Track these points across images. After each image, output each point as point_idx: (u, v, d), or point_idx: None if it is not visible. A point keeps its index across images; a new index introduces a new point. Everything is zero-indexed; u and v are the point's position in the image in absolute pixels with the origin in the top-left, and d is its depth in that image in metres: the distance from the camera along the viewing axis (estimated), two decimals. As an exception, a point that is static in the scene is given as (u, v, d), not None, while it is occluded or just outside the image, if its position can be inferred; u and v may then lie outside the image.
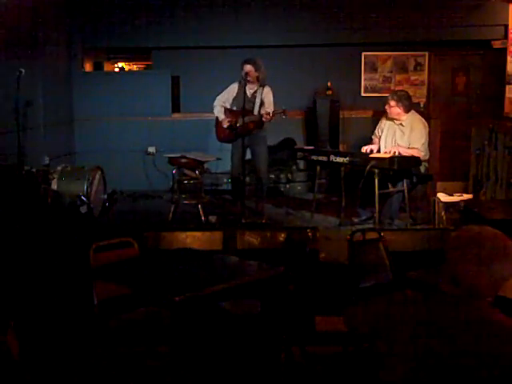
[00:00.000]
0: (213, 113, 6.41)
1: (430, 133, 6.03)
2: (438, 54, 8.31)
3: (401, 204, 5.91)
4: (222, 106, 6.33)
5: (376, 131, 6.18)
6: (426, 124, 5.96)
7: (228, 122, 6.20)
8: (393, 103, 5.87)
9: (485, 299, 1.83)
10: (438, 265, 1.93)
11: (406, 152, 5.77)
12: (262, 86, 6.20)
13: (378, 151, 6.03)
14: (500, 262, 1.82)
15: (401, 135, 5.91)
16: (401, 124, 5.91)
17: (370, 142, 6.26)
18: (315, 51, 8.20)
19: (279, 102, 6.12)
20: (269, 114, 5.95)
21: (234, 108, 6.30)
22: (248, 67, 6.09)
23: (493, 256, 1.82)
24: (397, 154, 5.72)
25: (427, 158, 5.93)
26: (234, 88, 6.31)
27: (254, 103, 6.15)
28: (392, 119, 5.96)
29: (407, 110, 5.90)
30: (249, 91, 6.14)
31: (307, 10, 7.95)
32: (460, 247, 1.86)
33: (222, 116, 6.28)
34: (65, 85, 8.01)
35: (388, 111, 5.94)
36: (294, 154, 6.65)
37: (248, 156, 6.32)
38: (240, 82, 6.25)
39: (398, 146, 5.87)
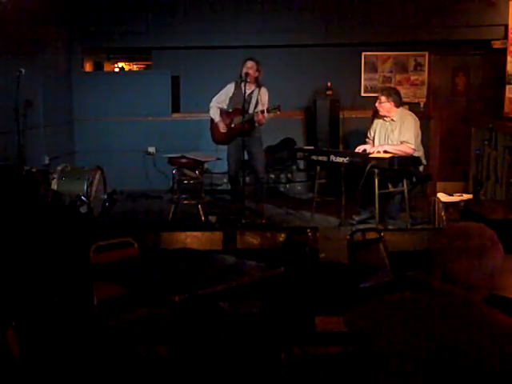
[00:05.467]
0: (212, 113, 6.44)
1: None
2: (437, 54, 8.31)
3: (401, 204, 5.91)
4: (218, 108, 6.34)
5: (368, 133, 6.20)
6: (417, 119, 5.96)
7: (224, 126, 6.22)
8: (383, 99, 5.89)
9: (481, 292, 1.84)
10: (431, 265, 1.94)
11: (394, 149, 5.78)
12: (259, 86, 6.21)
13: None
14: (490, 253, 1.84)
15: (392, 130, 5.93)
16: (392, 120, 5.93)
17: (365, 144, 6.27)
18: (315, 51, 8.20)
19: (279, 102, 6.10)
20: (263, 111, 5.95)
21: (230, 110, 6.32)
22: (251, 64, 6.10)
23: (481, 248, 1.84)
24: (382, 151, 5.76)
25: (421, 154, 5.92)
26: (230, 88, 6.32)
27: (249, 103, 6.16)
28: (383, 117, 5.97)
29: (398, 105, 5.93)
30: (244, 91, 6.14)
31: (307, 10, 7.95)
32: (448, 244, 1.87)
33: (217, 118, 6.29)
34: (65, 85, 8.02)
35: (379, 109, 5.95)
36: (293, 154, 6.65)
37: (245, 157, 6.33)
38: (236, 83, 6.27)
39: (385, 144, 5.91)
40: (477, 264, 1.83)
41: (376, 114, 6.08)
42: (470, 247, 1.84)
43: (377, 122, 6.09)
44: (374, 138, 6.11)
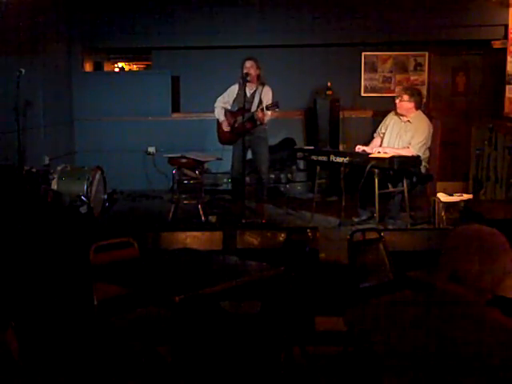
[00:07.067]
0: (212, 113, 6.43)
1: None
2: (437, 53, 8.31)
3: (401, 204, 5.91)
4: (223, 108, 6.34)
5: (379, 128, 6.16)
6: (431, 125, 5.94)
7: (228, 124, 6.22)
8: (406, 97, 5.86)
9: (487, 294, 1.85)
10: (436, 264, 1.94)
11: (395, 153, 5.76)
12: (262, 84, 6.21)
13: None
14: (501, 258, 1.85)
15: (406, 132, 5.90)
16: (408, 121, 5.90)
17: (369, 141, 6.25)
18: (315, 51, 8.20)
19: (279, 102, 6.09)
20: (262, 109, 5.94)
21: (235, 109, 6.31)
22: (250, 63, 6.10)
23: (494, 252, 1.85)
24: (382, 152, 5.76)
25: (426, 156, 5.90)
26: (234, 89, 6.32)
27: (252, 102, 6.16)
28: (399, 116, 5.95)
29: (418, 107, 5.90)
30: (248, 91, 6.14)
31: (307, 10, 7.95)
32: (461, 245, 1.87)
33: (222, 117, 6.30)
34: (65, 85, 8.01)
35: (398, 105, 5.91)
36: (293, 154, 6.65)
37: (249, 156, 6.33)
38: (239, 83, 6.26)
39: (386, 148, 5.91)
40: (489, 267, 1.83)
41: (394, 111, 6.04)
42: (483, 250, 1.85)
43: (391, 118, 6.05)
44: (384, 133, 6.07)
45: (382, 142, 6.09)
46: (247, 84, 6.06)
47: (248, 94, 6.13)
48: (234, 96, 6.32)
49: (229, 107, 6.35)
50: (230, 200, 6.96)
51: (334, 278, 4.31)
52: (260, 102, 6.15)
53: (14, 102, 5.69)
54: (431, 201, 5.90)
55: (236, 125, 6.18)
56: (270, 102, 6.09)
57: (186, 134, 8.06)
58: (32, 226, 5.07)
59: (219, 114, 6.33)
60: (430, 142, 5.93)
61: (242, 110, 6.09)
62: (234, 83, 6.34)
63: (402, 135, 5.92)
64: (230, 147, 6.40)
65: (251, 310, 3.58)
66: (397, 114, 5.98)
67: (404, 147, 5.85)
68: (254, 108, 6.12)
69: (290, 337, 3.46)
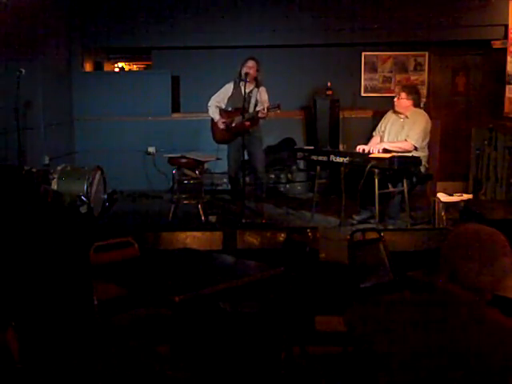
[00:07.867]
0: (212, 113, 6.43)
1: (431, 131, 6.03)
2: (437, 54, 8.32)
3: (401, 204, 5.91)
4: (217, 107, 6.35)
5: (379, 127, 6.17)
6: (429, 120, 5.96)
7: (223, 123, 6.23)
8: (404, 95, 5.90)
9: (486, 295, 1.85)
10: (436, 264, 1.94)
11: (392, 146, 5.77)
12: (258, 86, 6.22)
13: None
14: (501, 258, 1.85)
15: (403, 127, 5.92)
16: (406, 117, 5.92)
17: (369, 140, 6.26)
18: (315, 51, 8.20)
19: (279, 102, 6.09)
20: (264, 109, 5.96)
21: (230, 108, 6.32)
22: (252, 63, 6.11)
23: (494, 252, 1.85)
24: (381, 149, 5.79)
25: (423, 155, 5.91)
26: (228, 88, 6.34)
27: (249, 102, 6.16)
28: (397, 113, 5.97)
29: (416, 104, 5.94)
30: (244, 91, 6.14)
31: (307, 10, 7.95)
32: (461, 245, 1.87)
33: (216, 117, 6.30)
34: (65, 85, 8.02)
35: (396, 103, 5.95)
36: (294, 154, 6.65)
37: (245, 156, 6.33)
38: (235, 82, 6.27)
39: (383, 142, 5.93)
40: (488, 267, 1.83)
41: (392, 109, 6.06)
42: (483, 250, 1.84)
43: (390, 116, 6.07)
44: (383, 132, 6.08)
45: (381, 140, 6.10)
46: (245, 84, 6.06)
47: (245, 95, 6.13)
48: (229, 94, 6.33)
49: (223, 106, 6.36)
50: (230, 200, 6.96)
51: (334, 278, 4.31)
52: (256, 102, 6.17)
53: (13, 102, 5.69)
54: (431, 201, 5.90)
55: (233, 124, 6.18)
56: (267, 102, 6.10)
57: (185, 134, 8.06)
58: (32, 226, 5.07)
59: (214, 113, 6.34)
60: (428, 138, 5.94)
61: (239, 109, 6.09)
62: (228, 82, 6.35)
63: (400, 131, 5.94)
64: (226, 147, 6.41)
65: (251, 310, 3.58)
66: (395, 112, 6.01)
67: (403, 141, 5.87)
68: (251, 108, 6.14)
69: (290, 337, 3.46)
